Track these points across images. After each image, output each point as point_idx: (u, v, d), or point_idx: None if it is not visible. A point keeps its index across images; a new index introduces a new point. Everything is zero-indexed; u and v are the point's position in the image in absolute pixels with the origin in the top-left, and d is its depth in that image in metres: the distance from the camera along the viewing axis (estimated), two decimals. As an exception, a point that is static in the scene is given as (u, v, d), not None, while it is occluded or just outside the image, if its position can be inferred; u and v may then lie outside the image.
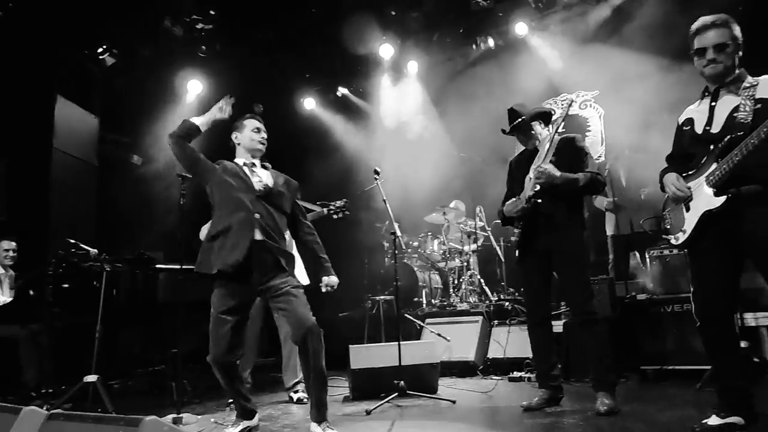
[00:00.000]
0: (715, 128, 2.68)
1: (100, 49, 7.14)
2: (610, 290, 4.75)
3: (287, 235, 3.35)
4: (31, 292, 4.75)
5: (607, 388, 3.34)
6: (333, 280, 3.34)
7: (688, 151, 2.80)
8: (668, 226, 2.90)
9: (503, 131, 3.85)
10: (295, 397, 4.28)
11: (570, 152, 3.60)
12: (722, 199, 2.58)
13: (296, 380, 4.34)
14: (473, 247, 6.74)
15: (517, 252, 3.68)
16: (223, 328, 3.03)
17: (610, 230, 5.87)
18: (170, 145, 3.22)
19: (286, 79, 8.73)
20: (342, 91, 8.87)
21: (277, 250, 3.12)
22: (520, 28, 7.46)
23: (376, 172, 4.33)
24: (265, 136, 3.40)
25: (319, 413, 3.00)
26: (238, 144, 3.38)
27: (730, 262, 2.68)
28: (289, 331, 3.19)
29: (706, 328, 2.74)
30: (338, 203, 4.60)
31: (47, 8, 6.22)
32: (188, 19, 7.23)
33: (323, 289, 3.33)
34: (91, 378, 3.97)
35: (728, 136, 2.57)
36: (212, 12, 7.32)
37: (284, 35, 7.66)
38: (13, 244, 5.34)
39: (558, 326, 4.85)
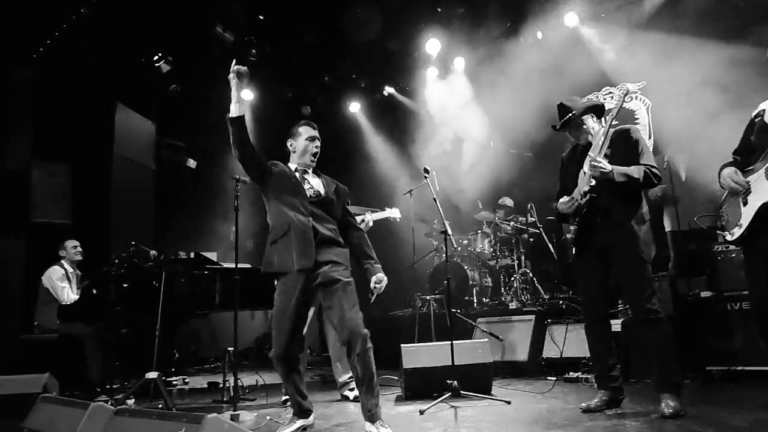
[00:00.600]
0: None
1: (155, 57, 7.37)
2: (672, 287, 4.55)
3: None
4: (95, 291, 4.93)
5: (672, 390, 3.20)
6: (381, 276, 3.29)
7: (753, 143, 2.72)
8: (724, 222, 2.87)
9: (554, 127, 3.74)
10: (351, 395, 4.27)
11: (625, 145, 3.46)
12: None
13: (348, 376, 4.34)
14: (525, 243, 6.61)
15: (573, 249, 3.56)
16: (286, 324, 3.10)
17: (669, 225, 5.64)
18: (230, 130, 3.29)
19: (333, 80, 8.79)
20: (388, 90, 8.86)
21: (334, 252, 3.18)
22: (570, 18, 7.26)
23: (426, 171, 4.28)
24: (319, 144, 3.42)
25: (372, 412, 3.00)
26: (293, 151, 3.42)
27: None
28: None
29: (763, 328, 2.63)
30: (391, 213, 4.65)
31: (107, 20, 6.46)
32: (239, 24, 7.38)
33: (372, 287, 3.30)
34: (152, 375, 4.08)
35: None
36: (261, 17, 7.45)
37: (330, 36, 7.72)
38: (78, 242, 5.58)
39: (617, 325, 4.69)
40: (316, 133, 3.43)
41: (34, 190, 6.13)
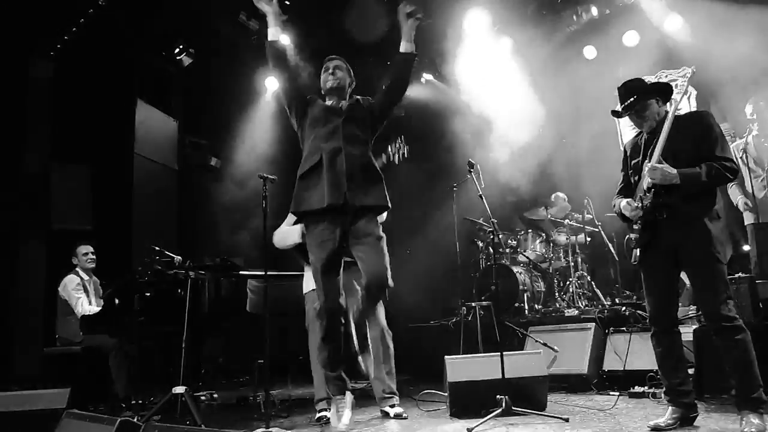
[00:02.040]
0: None
1: (177, 50, 7.54)
2: (752, 291, 4.41)
3: None
4: (117, 301, 5.07)
5: (754, 407, 3.11)
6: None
7: None
8: None
9: (614, 113, 3.67)
10: (392, 412, 4.23)
11: (696, 132, 3.36)
12: None
13: (389, 390, 4.31)
14: (581, 244, 6.51)
15: (637, 250, 3.50)
16: (330, 275, 3.30)
17: (749, 219, 5.46)
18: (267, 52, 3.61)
19: (366, 68, 8.83)
20: (426, 77, 8.84)
21: (369, 190, 3.38)
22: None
23: (471, 165, 4.27)
24: (336, 74, 3.65)
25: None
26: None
27: None
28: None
29: None
30: None
31: (125, 12, 6.66)
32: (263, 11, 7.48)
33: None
34: (179, 389, 4.18)
35: None
36: (287, 2, 7.53)
37: (362, 19, 7.74)
38: (90, 247, 5.73)
39: (688, 333, 4.57)
40: (329, 63, 3.70)
41: (54, 194, 6.35)
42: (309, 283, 4.27)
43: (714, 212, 3.33)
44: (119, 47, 6.95)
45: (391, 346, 4.39)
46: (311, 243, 3.37)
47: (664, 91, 3.58)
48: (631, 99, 3.52)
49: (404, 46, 3.55)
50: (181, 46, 7.60)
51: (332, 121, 3.48)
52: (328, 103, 3.63)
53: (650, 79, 7.08)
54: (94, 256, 5.70)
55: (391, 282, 3.29)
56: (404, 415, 4.18)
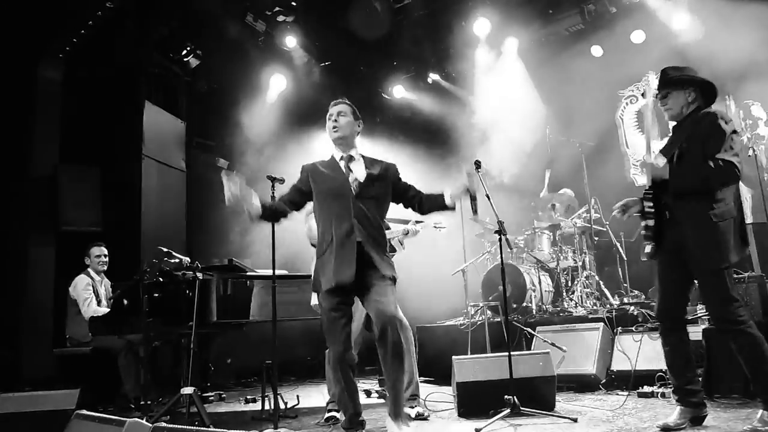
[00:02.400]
0: None
1: (184, 52, 7.57)
2: (761, 290, 4.39)
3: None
4: (125, 302, 5.09)
5: (766, 406, 3.10)
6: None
7: None
8: None
9: (644, 95, 3.69)
10: (412, 413, 4.19)
11: (703, 131, 3.32)
12: None
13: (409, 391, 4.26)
14: (589, 243, 6.48)
15: (647, 246, 3.48)
16: (338, 324, 3.32)
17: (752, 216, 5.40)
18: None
19: (372, 69, 8.84)
20: (433, 77, 8.83)
21: (375, 254, 3.38)
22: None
23: (477, 164, 4.26)
24: (337, 120, 3.56)
25: (397, 409, 3.20)
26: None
27: None
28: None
29: None
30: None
31: (133, 15, 6.69)
32: (270, 12, 7.50)
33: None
34: (188, 390, 4.20)
35: None
36: (293, 3, 7.55)
37: (368, 20, 7.74)
38: (104, 249, 5.77)
39: (697, 332, 4.56)
40: (332, 109, 3.61)
41: (62, 195, 6.39)
42: None
43: (717, 213, 3.23)
44: (127, 49, 6.98)
45: (413, 349, 4.36)
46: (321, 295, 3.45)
47: (702, 87, 3.45)
48: (661, 84, 3.51)
49: (449, 201, 3.54)
50: (188, 48, 7.63)
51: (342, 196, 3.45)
52: (336, 156, 3.59)
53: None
54: (106, 259, 5.74)
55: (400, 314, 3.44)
56: (425, 413, 4.20)
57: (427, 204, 3.59)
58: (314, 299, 4.32)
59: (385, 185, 3.55)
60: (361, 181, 3.45)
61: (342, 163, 3.53)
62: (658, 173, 3.36)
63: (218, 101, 8.40)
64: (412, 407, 4.23)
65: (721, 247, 3.22)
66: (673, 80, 3.48)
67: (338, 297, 3.33)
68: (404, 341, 3.82)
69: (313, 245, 4.10)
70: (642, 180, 7.23)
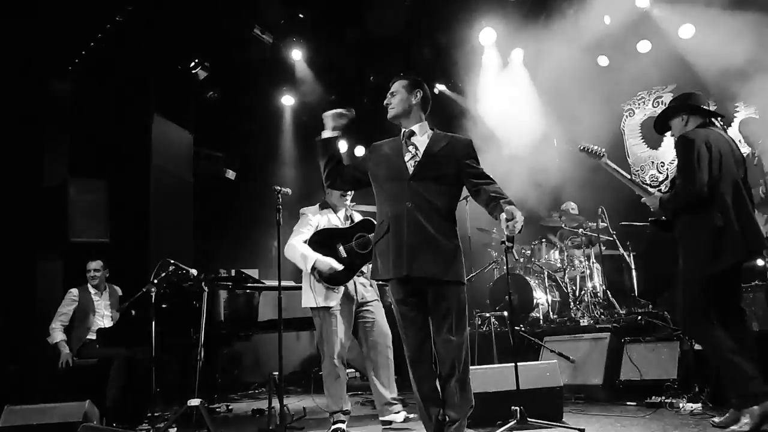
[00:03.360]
0: None
1: (192, 64, 7.63)
2: (767, 298, 4.36)
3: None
4: (133, 312, 5.11)
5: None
6: (512, 210, 2.89)
7: None
8: None
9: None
10: (399, 417, 4.17)
11: (678, 154, 3.60)
12: None
13: (392, 397, 4.24)
14: (596, 254, 6.46)
15: None
16: (406, 320, 3.10)
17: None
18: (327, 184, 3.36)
19: (379, 79, 8.87)
20: (439, 87, 8.85)
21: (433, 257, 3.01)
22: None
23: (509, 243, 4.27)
24: (390, 102, 3.31)
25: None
26: None
27: None
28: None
29: None
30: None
31: (141, 28, 6.75)
32: (277, 25, 7.57)
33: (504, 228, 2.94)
34: (195, 402, 4.20)
35: None
36: (301, 15, 7.61)
37: (375, 32, 7.79)
38: (99, 262, 5.72)
39: (705, 344, 4.52)
40: (392, 87, 3.33)
41: (71, 207, 6.44)
42: (308, 299, 4.20)
43: (694, 228, 3.51)
44: (136, 62, 7.05)
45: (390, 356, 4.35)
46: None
47: (692, 109, 3.70)
48: (659, 122, 3.86)
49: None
50: (196, 60, 7.69)
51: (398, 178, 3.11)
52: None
53: (663, 91, 7.12)
54: (98, 273, 5.65)
55: None
56: (411, 415, 4.16)
57: (484, 207, 3.11)
58: (305, 302, 4.27)
59: (451, 165, 3.12)
60: (419, 159, 3.12)
61: (403, 141, 3.23)
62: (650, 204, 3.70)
63: (226, 112, 8.46)
64: (397, 412, 4.21)
65: (688, 260, 3.50)
66: (668, 114, 3.77)
67: (406, 288, 3.06)
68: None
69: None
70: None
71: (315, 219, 4.33)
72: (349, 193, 4.39)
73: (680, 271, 3.51)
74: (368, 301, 4.34)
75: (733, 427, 3.28)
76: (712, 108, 3.90)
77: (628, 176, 3.94)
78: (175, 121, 7.69)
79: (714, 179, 3.43)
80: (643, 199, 3.74)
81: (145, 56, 7.12)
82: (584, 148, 4.03)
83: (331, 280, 4.10)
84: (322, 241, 4.21)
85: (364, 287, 4.34)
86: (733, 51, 6.18)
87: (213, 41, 7.53)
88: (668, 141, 7.28)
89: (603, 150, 3.97)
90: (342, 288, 4.18)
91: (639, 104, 7.88)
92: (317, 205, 4.44)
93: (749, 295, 4.45)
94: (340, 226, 4.35)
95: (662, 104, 7.33)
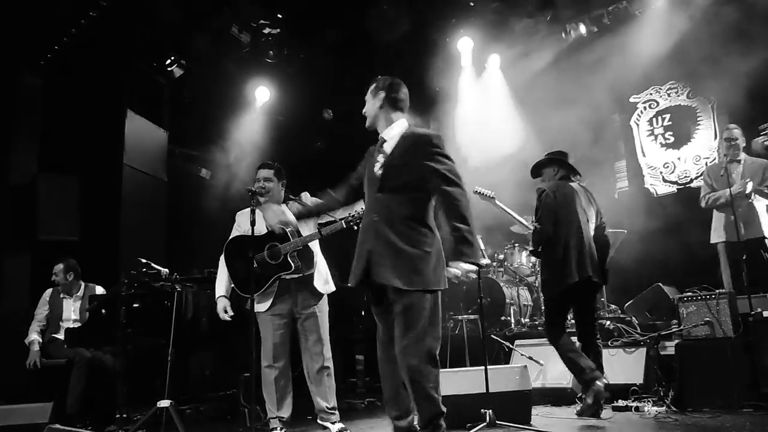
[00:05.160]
0: None
1: (168, 61, 7.56)
2: (731, 307, 4.48)
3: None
4: (103, 311, 5.05)
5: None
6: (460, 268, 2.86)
7: None
8: None
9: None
10: (334, 428, 4.14)
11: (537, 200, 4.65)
12: None
13: (330, 405, 4.23)
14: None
15: None
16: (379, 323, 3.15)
17: (718, 237, 5.48)
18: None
19: (356, 82, 8.88)
20: (416, 94, 8.89)
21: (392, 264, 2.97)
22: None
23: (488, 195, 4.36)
24: (365, 106, 3.28)
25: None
26: None
27: None
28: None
29: None
30: (359, 210, 3.85)
31: (116, 23, 6.68)
32: (255, 24, 7.54)
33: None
34: (164, 403, 4.17)
35: None
36: (279, 15, 7.60)
37: (354, 35, 7.82)
38: (60, 266, 5.59)
39: (670, 347, 4.66)
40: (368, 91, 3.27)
41: (41, 204, 6.33)
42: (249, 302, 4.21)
43: (546, 258, 4.53)
44: (110, 58, 6.96)
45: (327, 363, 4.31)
46: None
47: (561, 162, 4.72)
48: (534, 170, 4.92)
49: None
50: (172, 57, 7.62)
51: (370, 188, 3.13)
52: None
53: (637, 97, 7.30)
54: (56, 278, 5.56)
55: None
56: (347, 431, 4.17)
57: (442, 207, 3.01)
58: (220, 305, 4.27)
59: (414, 170, 2.98)
60: (382, 169, 3.04)
61: (376, 150, 3.16)
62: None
63: (202, 111, 8.40)
64: (334, 423, 4.16)
65: (543, 284, 4.71)
66: (543, 163, 4.75)
67: (372, 293, 3.11)
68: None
69: None
70: (662, 189, 7.49)
71: (243, 223, 4.30)
72: (262, 189, 4.20)
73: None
74: (307, 310, 4.22)
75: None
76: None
77: (515, 214, 4.95)
78: (150, 118, 7.61)
79: (560, 222, 4.35)
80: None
81: (120, 52, 7.04)
82: (477, 191, 4.83)
83: (241, 290, 4.17)
84: (235, 250, 4.26)
85: (302, 295, 4.22)
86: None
87: (190, 39, 7.47)
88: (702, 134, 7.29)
89: (492, 193, 4.88)
90: (270, 294, 4.15)
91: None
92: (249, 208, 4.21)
93: (714, 302, 4.57)
94: (257, 232, 4.05)
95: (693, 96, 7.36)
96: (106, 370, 5.19)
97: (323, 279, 4.28)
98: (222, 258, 4.33)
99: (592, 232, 4.48)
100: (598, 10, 7.45)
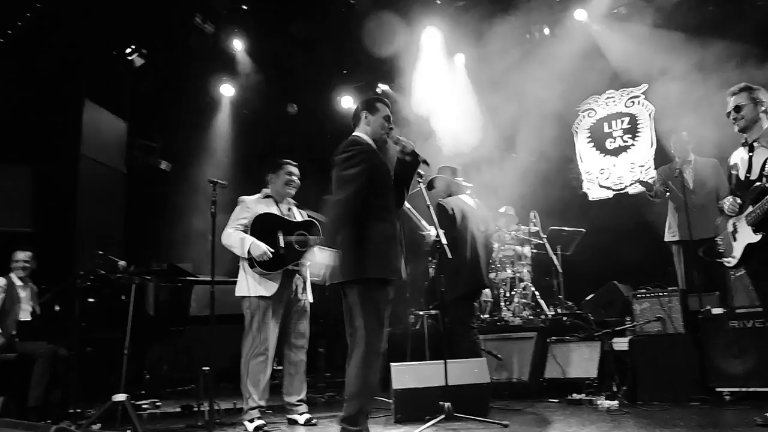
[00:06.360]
0: (753, 176, 3.57)
1: (128, 50, 7.40)
2: (683, 304, 4.64)
3: None
4: (57, 308, 4.94)
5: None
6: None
7: (735, 192, 3.70)
8: (722, 250, 3.79)
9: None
10: (301, 419, 4.28)
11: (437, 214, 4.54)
12: (758, 237, 3.48)
13: (300, 397, 4.36)
14: (526, 255, 6.68)
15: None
16: None
17: (671, 236, 5.65)
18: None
19: (321, 77, 8.87)
20: (382, 87, 8.93)
21: None
22: (580, 14, 7.41)
23: (420, 175, 4.37)
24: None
25: None
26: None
27: None
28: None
29: None
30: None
31: (75, 9, 6.51)
32: (219, 14, 7.45)
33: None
34: (120, 397, 4.10)
35: (759, 184, 3.48)
36: (244, 6, 7.52)
37: (319, 29, 7.79)
38: (29, 253, 5.41)
39: (623, 343, 4.79)
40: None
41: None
42: (242, 288, 4.25)
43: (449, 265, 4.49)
44: (67, 45, 6.78)
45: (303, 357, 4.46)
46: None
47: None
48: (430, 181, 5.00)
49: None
50: (133, 47, 7.46)
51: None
52: None
53: (593, 99, 7.48)
54: (27, 265, 5.40)
55: None
56: (315, 421, 4.28)
57: None
58: (239, 290, 4.31)
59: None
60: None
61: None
62: None
63: (163, 102, 8.25)
64: (301, 413, 4.31)
65: (446, 288, 4.62)
66: (433, 180, 4.97)
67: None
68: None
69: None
70: (596, 194, 7.74)
71: (254, 207, 4.34)
72: (293, 183, 4.45)
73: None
74: (302, 302, 4.42)
75: None
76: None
77: (419, 218, 5.14)
78: (109, 108, 7.45)
79: (459, 233, 4.71)
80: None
81: (78, 39, 6.86)
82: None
83: (261, 264, 4.14)
84: (265, 225, 4.27)
85: (299, 287, 4.40)
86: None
87: (152, 28, 7.33)
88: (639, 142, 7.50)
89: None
90: (278, 278, 4.21)
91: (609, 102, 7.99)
92: (258, 195, 4.46)
93: (666, 300, 4.72)
94: (284, 217, 4.39)
95: (638, 103, 7.60)
96: (60, 364, 5.06)
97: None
98: (242, 226, 4.28)
99: (482, 241, 4.96)
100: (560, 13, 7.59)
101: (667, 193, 5.51)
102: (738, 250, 3.65)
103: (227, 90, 8.42)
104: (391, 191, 3.39)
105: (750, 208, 3.55)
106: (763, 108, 3.63)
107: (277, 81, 8.60)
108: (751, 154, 3.63)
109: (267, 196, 4.45)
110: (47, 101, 6.78)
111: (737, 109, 3.68)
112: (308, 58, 8.32)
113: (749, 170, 3.63)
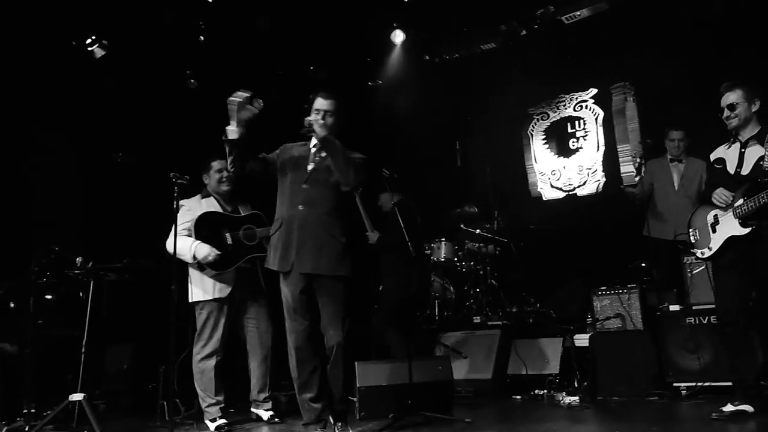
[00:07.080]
0: (745, 171, 3.57)
1: (88, 41, 7.21)
2: (642, 300, 4.74)
3: None
4: (12, 305, 4.80)
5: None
6: None
7: (719, 185, 3.65)
8: (694, 241, 3.81)
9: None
10: (265, 415, 4.28)
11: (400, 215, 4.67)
12: (747, 229, 3.47)
13: (266, 394, 4.34)
14: (491, 254, 6.73)
15: None
16: None
17: (647, 232, 5.72)
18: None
19: (288, 72, 8.78)
20: (347, 84, 8.88)
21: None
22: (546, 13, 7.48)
23: (384, 173, 4.37)
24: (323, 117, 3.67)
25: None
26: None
27: (746, 277, 3.56)
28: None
29: (724, 329, 3.65)
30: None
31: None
32: (184, 5, 7.30)
33: None
34: (77, 397, 4.01)
35: (756, 179, 3.46)
36: (210, 1, 7.38)
37: (287, 24, 7.71)
38: None
39: (584, 340, 4.87)
40: (320, 104, 3.63)
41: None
42: (198, 293, 4.20)
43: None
44: (24, 33, 6.55)
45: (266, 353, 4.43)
46: None
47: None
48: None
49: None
50: (93, 37, 7.26)
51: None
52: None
53: (546, 105, 7.56)
54: None
55: None
56: (277, 419, 4.27)
57: None
58: (194, 295, 4.26)
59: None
60: (315, 166, 3.65)
61: (314, 150, 3.72)
62: None
63: (124, 93, 8.05)
64: (267, 410, 4.32)
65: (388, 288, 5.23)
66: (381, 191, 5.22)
67: (294, 281, 3.47)
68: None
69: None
70: (549, 194, 7.82)
71: (195, 209, 4.28)
72: (225, 177, 4.38)
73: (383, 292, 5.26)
74: (260, 298, 4.35)
75: None
76: None
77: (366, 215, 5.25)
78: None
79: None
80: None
81: (35, 28, 6.64)
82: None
83: (210, 265, 4.08)
84: (208, 224, 4.19)
85: (256, 282, 4.34)
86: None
87: (112, 17, 7.14)
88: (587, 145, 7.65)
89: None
90: (232, 277, 4.16)
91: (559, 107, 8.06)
92: (197, 196, 4.40)
93: (626, 296, 4.82)
94: (227, 214, 4.32)
95: (586, 107, 7.69)
96: (8, 360, 4.90)
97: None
98: (186, 230, 4.21)
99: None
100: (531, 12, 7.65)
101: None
102: (716, 242, 3.63)
103: (192, 81, 8.24)
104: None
105: (740, 201, 3.51)
106: (756, 107, 3.59)
107: (244, 77, 8.45)
108: (743, 150, 3.61)
109: (207, 196, 4.38)
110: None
111: (731, 107, 3.62)
112: (274, 54, 8.23)
113: (740, 165, 3.62)
